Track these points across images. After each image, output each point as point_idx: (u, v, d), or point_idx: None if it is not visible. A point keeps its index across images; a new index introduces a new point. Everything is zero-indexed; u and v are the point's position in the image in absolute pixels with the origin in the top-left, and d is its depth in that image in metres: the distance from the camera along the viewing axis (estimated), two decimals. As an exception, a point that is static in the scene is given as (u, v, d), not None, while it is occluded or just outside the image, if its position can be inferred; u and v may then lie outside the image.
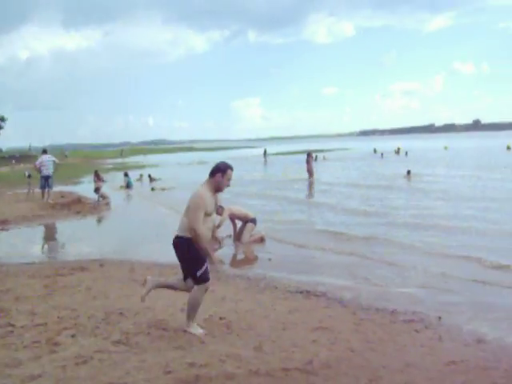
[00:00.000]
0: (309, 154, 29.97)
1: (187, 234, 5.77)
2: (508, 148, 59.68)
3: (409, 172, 29.08)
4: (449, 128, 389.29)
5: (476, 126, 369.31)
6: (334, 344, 5.70)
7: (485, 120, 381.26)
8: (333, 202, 19.60)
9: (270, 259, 10.60)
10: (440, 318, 6.66)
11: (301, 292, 8.00)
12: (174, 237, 5.94)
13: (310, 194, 24.25)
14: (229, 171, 5.92)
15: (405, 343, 5.81)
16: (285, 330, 6.18)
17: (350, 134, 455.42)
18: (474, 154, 54.36)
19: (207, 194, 5.80)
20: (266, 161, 56.88)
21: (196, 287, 5.91)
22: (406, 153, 57.51)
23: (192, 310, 5.97)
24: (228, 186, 5.98)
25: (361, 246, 11.55)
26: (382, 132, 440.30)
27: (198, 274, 5.84)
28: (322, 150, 72.13)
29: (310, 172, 29.28)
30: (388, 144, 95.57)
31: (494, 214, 15.28)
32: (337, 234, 13.15)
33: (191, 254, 5.82)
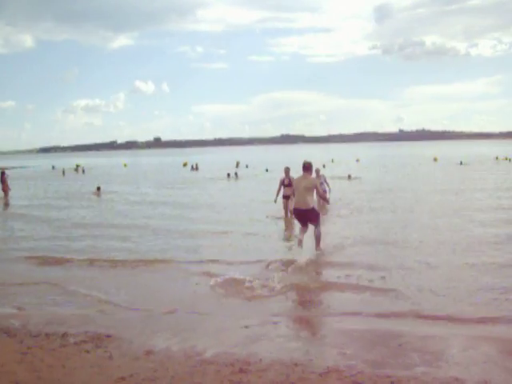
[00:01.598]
0: (3, 173, 28.30)
1: (311, 205, 11.42)
2: (184, 165, 63.77)
3: (99, 188, 29.47)
4: (131, 145, 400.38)
5: (157, 143, 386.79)
6: (-4, 379, 5.28)
7: (165, 137, 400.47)
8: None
9: None
10: (110, 335, 6.66)
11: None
12: (300, 210, 11.46)
13: None
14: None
15: (75, 366, 5.67)
16: None
17: (30, 151, 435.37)
18: (153, 169, 56.93)
19: None
20: None
21: (317, 225, 11.60)
22: (84, 170, 58.08)
23: (320, 239, 11.62)
24: None
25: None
26: (64, 149, 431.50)
27: (319, 218, 11.69)
28: (-3, 168, 67.42)
29: (6, 192, 27.71)
30: (69, 161, 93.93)
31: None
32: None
33: (316, 213, 11.64)
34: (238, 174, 41.28)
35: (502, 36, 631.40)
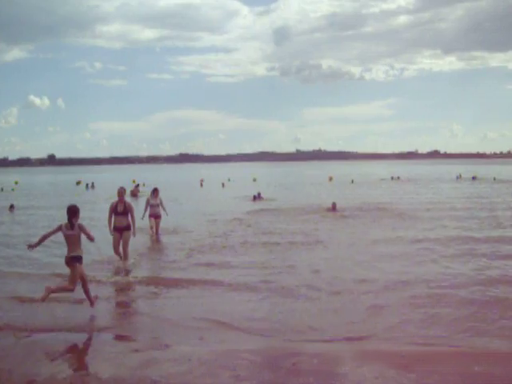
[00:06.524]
0: None
1: None
2: (78, 183, 60.56)
3: (12, 206, 28.35)
4: (24, 162, 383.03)
5: (51, 160, 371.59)
6: None
7: (60, 155, 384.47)
8: None
9: None
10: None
11: None
12: None
13: None
14: None
15: None
16: None
17: None
18: (46, 188, 54.62)
19: None
20: None
21: None
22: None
23: None
24: None
25: None
26: None
27: None
28: None
29: None
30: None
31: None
32: None
33: None
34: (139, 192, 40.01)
35: (394, 62, 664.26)
